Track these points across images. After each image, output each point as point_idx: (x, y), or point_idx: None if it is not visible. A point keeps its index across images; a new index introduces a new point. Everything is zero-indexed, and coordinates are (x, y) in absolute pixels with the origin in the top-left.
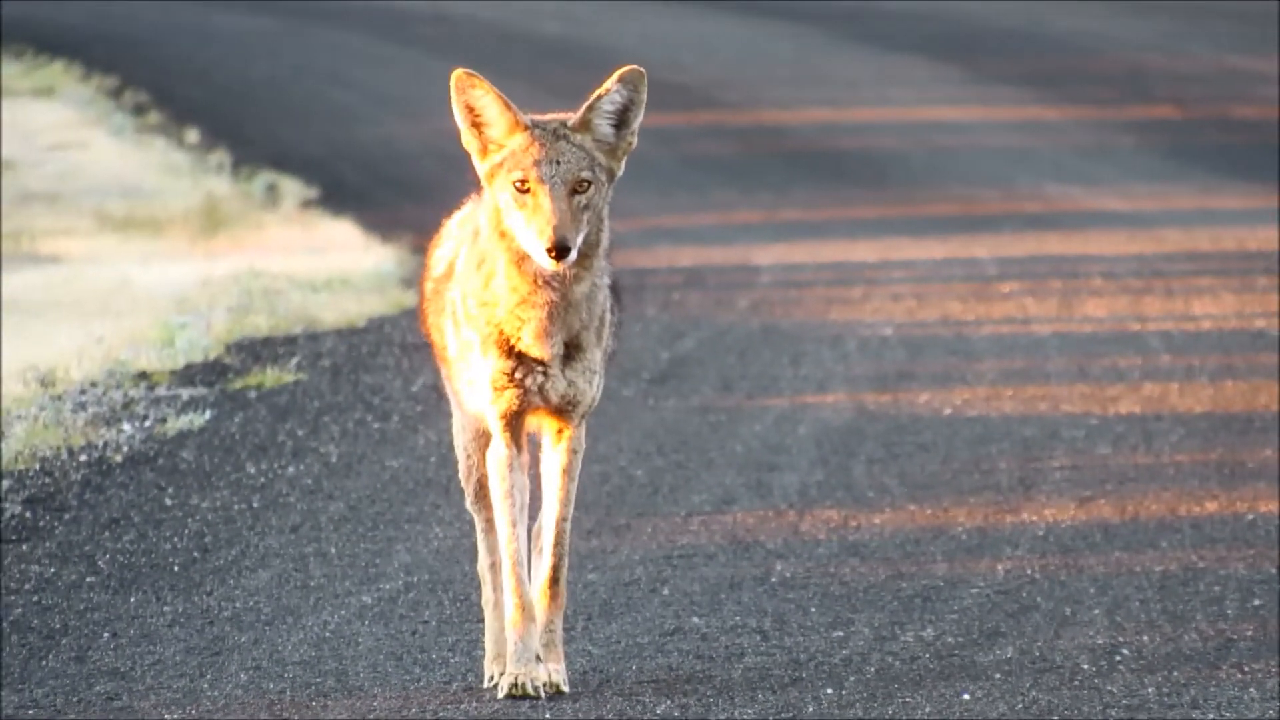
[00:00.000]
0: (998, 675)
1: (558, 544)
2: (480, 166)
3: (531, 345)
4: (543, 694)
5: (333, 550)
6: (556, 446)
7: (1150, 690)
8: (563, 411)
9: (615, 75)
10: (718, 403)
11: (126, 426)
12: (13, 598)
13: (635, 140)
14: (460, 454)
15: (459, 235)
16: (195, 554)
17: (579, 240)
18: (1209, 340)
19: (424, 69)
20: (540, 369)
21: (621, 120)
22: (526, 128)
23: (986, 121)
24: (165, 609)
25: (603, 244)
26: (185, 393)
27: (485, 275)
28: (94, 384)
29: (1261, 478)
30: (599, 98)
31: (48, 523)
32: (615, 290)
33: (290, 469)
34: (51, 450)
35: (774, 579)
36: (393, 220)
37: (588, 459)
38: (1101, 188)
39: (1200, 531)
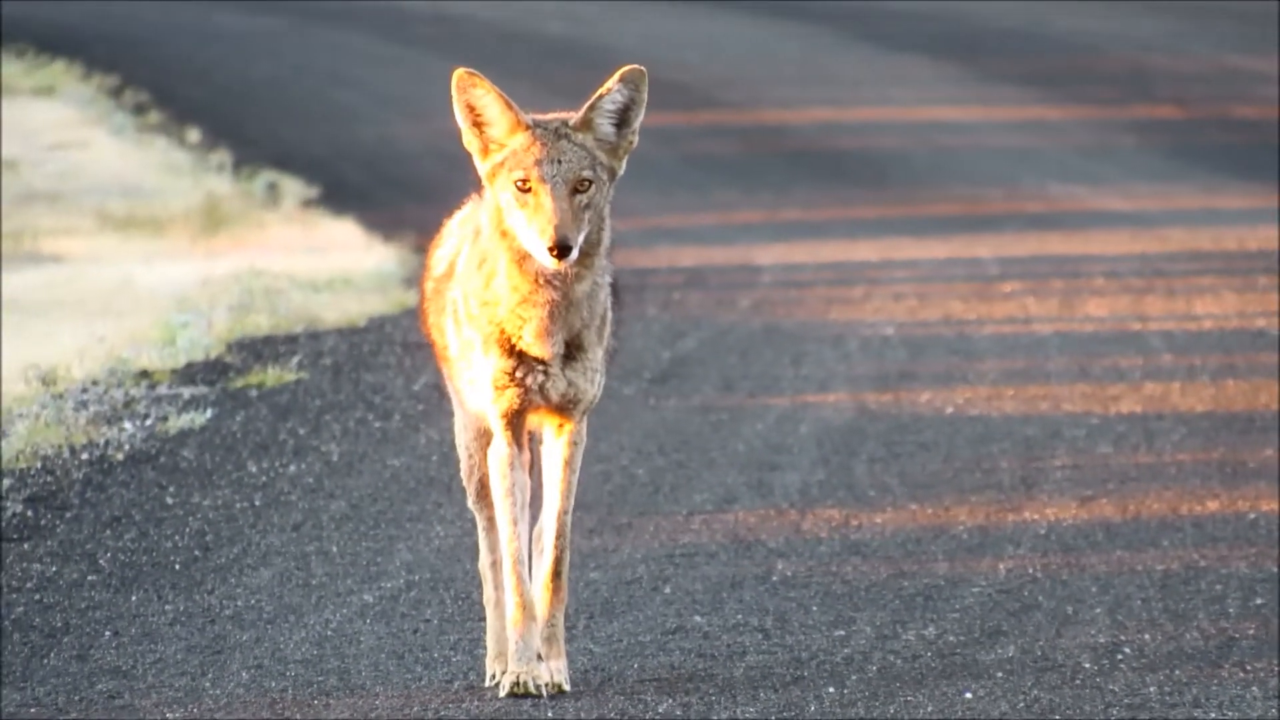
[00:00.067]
0: (999, 674)
1: (559, 537)
2: (481, 166)
3: (532, 344)
4: (544, 693)
5: (334, 549)
6: (558, 439)
7: (1152, 689)
8: (563, 410)
9: (616, 74)
10: (719, 402)
11: (128, 425)
12: (14, 596)
13: (636, 139)
14: (461, 453)
15: (460, 235)
16: (197, 552)
17: (580, 239)
18: (1210, 340)
19: (425, 69)
20: (541, 368)
21: (623, 119)
22: (528, 127)
23: (988, 121)
24: (167, 607)
25: (604, 243)
26: (186, 391)
27: (486, 274)
28: (95, 383)
29: (1263, 477)
30: (600, 97)
31: (49, 521)
32: (616, 289)
33: (292, 468)
34: (53, 449)
35: (775, 578)
36: (394, 220)
37: (589, 458)
38: (1103, 187)
39: (1202, 530)
